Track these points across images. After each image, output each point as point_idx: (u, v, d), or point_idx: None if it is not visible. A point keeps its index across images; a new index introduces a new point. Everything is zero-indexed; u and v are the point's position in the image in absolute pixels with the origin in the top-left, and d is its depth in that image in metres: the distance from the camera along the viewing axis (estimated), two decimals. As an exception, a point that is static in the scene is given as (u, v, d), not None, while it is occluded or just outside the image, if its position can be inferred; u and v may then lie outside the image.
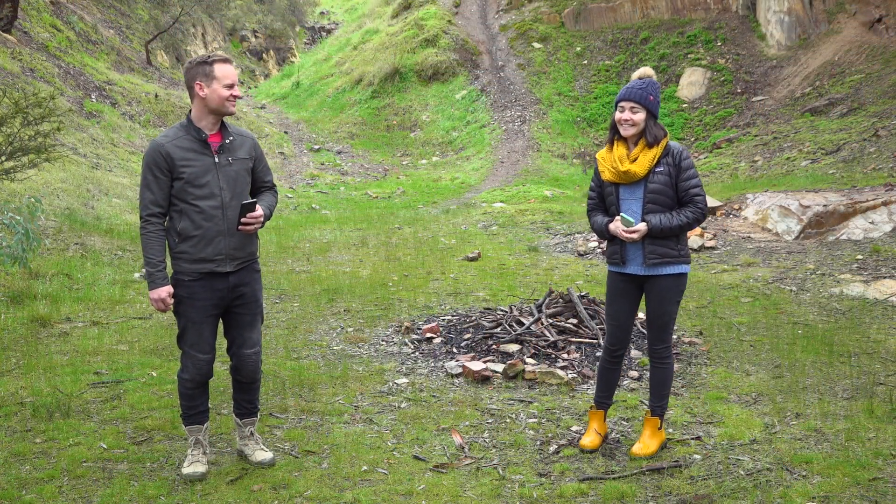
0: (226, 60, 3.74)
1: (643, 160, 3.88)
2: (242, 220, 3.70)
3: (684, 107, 20.27)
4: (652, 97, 3.86)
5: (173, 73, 22.96)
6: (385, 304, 7.43)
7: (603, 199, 4.10)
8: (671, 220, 3.87)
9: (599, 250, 9.96)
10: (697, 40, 21.67)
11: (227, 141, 3.76)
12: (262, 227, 3.82)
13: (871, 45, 18.20)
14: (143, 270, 3.74)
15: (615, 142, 3.99)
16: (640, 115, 3.88)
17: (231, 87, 3.70)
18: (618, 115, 3.93)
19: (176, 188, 3.66)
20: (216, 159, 3.71)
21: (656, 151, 3.88)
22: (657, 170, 3.89)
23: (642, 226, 3.87)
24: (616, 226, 3.92)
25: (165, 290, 3.69)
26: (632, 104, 3.87)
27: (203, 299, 3.72)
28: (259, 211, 3.74)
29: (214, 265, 3.71)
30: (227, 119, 3.84)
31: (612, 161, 3.95)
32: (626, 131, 3.91)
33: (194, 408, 3.88)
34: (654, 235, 3.89)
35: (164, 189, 3.66)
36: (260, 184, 3.95)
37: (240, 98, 3.82)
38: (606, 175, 3.98)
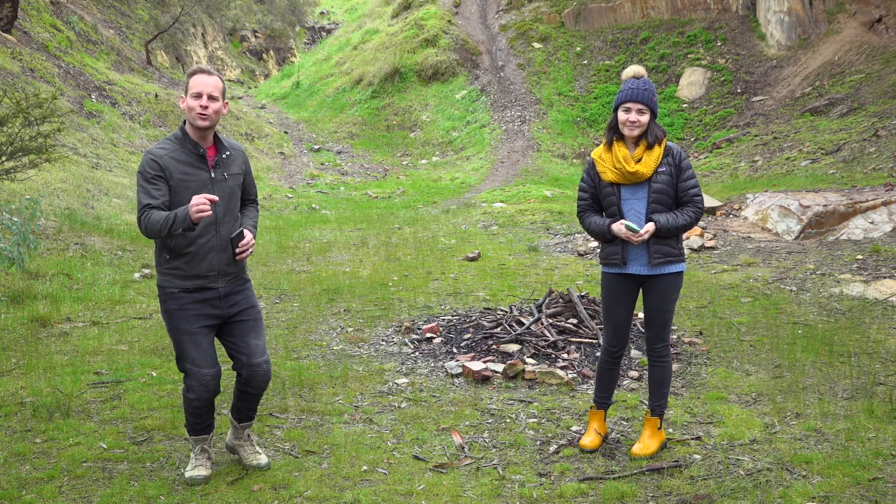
0: (202, 72, 3.60)
1: (648, 160, 3.87)
2: (237, 250, 3.63)
3: (684, 107, 20.27)
4: (654, 97, 3.90)
5: (173, 73, 22.96)
6: (385, 304, 7.43)
7: (596, 200, 4.06)
8: (677, 220, 3.89)
9: (599, 250, 9.96)
10: (697, 40, 21.67)
11: (225, 156, 3.69)
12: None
13: (871, 45, 18.20)
14: (169, 227, 3.33)
15: (615, 142, 3.97)
16: (647, 117, 3.88)
17: (198, 96, 3.54)
18: (623, 116, 3.88)
19: (171, 204, 3.55)
20: (212, 174, 3.63)
21: (659, 151, 3.89)
22: (660, 170, 3.90)
23: (651, 226, 3.87)
24: (620, 229, 3.89)
25: (200, 196, 3.36)
26: (640, 106, 3.85)
27: (194, 310, 3.64)
28: (248, 237, 3.66)
29: (207, 281, 3.64)
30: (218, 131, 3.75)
31: (614, 161, 3.91)
32: (631, 132, 3.87)
33: (201, 423, 3.81)
34: (660, 235, 3.90)
35: (165, 195, 3.52)
36: (245, 198, 3.90)
37: (208, 109, 3.55)
38: (609, 176, 3.93)
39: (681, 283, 4.04)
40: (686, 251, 9.80)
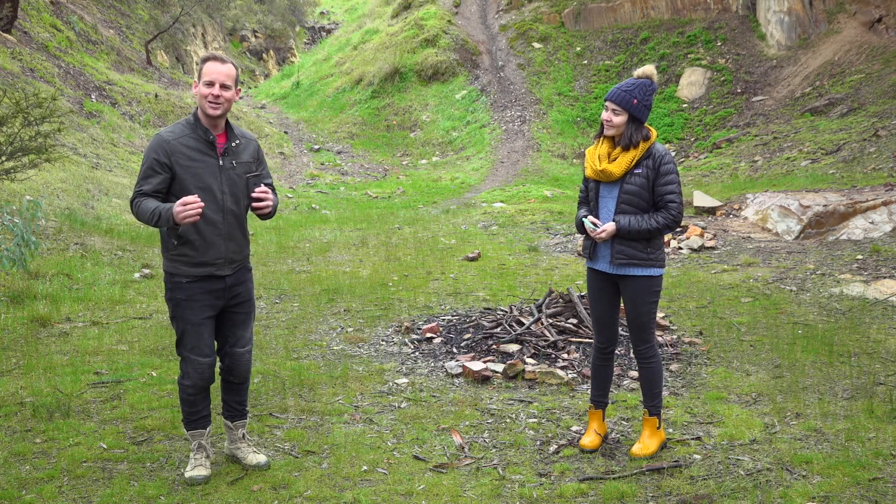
0: (215, 59, 3.62)
1: (621, 161, 3.88)
2: (253, 195, 3.64)
3: (684, 107, 20.27)
4: (636, 100, 3.82)
5: (173, 73, 22.96)
6: (385, 304, 7.43)
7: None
8: (640, 223, 3.86)
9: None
10: (697, 40, 21.67)
11: (234, 144, 3.72)
12: (271, 214, 3.76)
13: (871, 45, 18.20)
14: (148, 225, 3.50)
15: (601, 139, 4.00)
16: (621, 118, 3.86)
17: (210, 84, 3.56)
18: (602, 113, 3.95)
19: (176, 188, 3.60)
20: (220, 162, 3.66)
21: (635, 153, 3.87)
22: (635, 171, 3.88)
23: (610, 225, 3.89)
24: (585, 224, 3.96)
25: (184, 198, 3.39)
26: (614, 105, 3.86)
27: (201, 301, 3.69)
28: (265, 187, 3.68)
29: (214, 269, 3.69)
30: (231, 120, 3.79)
31: (593, 158, 3.97)
32: (607, 131, 3.93)
33: (196, 413, 3.84)
34: (622, 236, 3.90)
35: (163, 184, 3.59)
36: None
37: (220, 98, 3.59)
38: (588, 171, 4.01)
39: (655, 287, 3.98)
40: (685, 251, 9.80)
